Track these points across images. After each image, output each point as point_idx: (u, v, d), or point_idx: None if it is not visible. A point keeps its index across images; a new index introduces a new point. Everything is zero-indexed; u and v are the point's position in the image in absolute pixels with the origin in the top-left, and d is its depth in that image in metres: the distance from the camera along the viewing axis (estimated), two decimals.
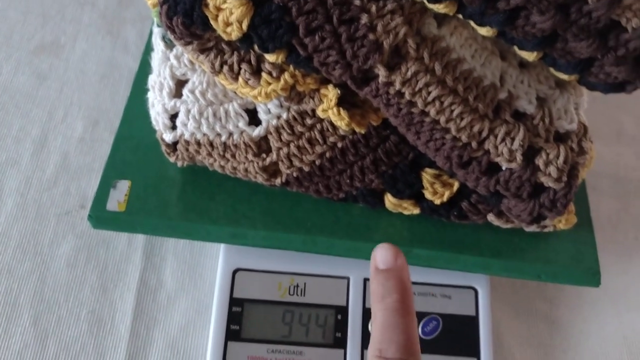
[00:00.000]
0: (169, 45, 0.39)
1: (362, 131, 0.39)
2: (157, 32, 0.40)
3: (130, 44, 0.59)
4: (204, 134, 0.40)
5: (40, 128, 0.53)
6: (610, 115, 0.61)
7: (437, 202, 0.42)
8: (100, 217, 0.43)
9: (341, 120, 0.37)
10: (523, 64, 0.37)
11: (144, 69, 0.48)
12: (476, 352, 0.44)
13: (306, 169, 0.41)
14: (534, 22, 0.30)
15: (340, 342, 0.44)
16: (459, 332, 0.45)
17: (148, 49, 0.48)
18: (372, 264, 0.30)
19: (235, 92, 0.38)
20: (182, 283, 0.47)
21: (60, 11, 0.60)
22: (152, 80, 0.41)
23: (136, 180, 0.44)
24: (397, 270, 0.29)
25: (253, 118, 0.40)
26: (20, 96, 0.55)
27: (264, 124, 0.39)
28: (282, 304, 0.45)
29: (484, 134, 0.36)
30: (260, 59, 0.35)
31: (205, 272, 0.48)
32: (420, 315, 0.45)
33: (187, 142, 0.41)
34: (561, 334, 0.48)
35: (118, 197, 0.43)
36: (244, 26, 0.32)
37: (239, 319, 0.44)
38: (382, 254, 0.30)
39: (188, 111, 0.39)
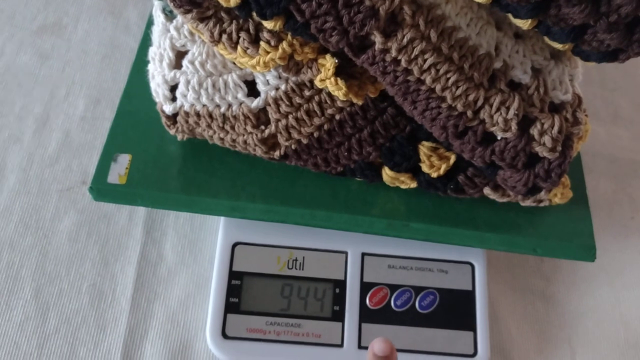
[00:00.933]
0: (169, 17, 0.40)
1: (360, 102, 0.39)
2: (157, 4, 0.40)
3: (131, 25, 0.59)
4: (204, 105, 0.41)
5: (43, 106, 0.54)
6: (607, 98, 0.61)
7: (434, 175, 0.42)
8: (101, 189, 0.43)
9: (339, 90, 0.37)
10: (518, 35, 0.38)
11: (145, 46, 0.48)
12: (472, 326, 0.45)
13: (304, 141, 0.41)
14: None
15: (338, 315, 0.44)
16: (456, 306, 0.45)
17: (149, 27, 0.49)
18: (370, 352, 0.38)
19: (234, 63, 0.39)
20: (182, 257, 0.48)
21: None
22: (152, 52, 0.41)
23: (137, 154, 0.45)
24: (390, 356, 0.37)
25: (252, 89, 0.40)
26: (23, 75, 0.55)
27: (262, 95, 0.40)
28: (281, 277, 0.45)
29: (479, 103, 0.36)
30: (258, 28, 0.36)
31: (205, 246, 0.48)
32: (418, 290, 0.45)
33: (187, 114, 0.41)
34: (557, 310, 0.49)
35: (119, 170, 0.44)
36: None
37: (238, 292, 0.44)
38: (379, 345, 0.37)
39: (187, 82, 0.40)
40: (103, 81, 0.56)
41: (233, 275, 0.45)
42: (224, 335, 0.43)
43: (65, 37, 0.58)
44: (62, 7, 0.60)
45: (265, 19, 0.33)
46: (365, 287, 0.45)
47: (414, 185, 0.43)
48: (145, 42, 0.49)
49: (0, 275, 0.46)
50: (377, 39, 0.33)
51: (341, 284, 0.45)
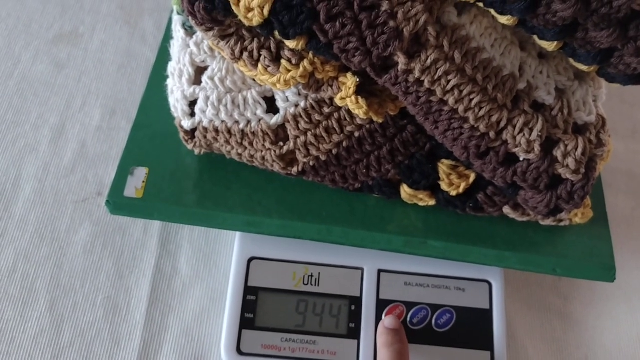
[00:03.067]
0: (189, 33, 0.39)
1: (380, 120, 0.39)
2: (177, 19, 0.40)
3: (147, 35, 0.59)
4: (222, 121, 0.40)
5: (59, 116, 0.54)
6: (626, 112, 0.61)
7: (453, 193, 0.42)
8: (118, 203, 0.43)
9: (359, 109, 0.37)
10: (542, 55, 0.37)
11: (162, 59, 0.48)
12: (489, 346, 0.44)
13: (323, 157, 0.41)
14: (555, 10, 0.30)
15: (353, 333, 0.44)
16: (473, 325, 0.45)
17: (166, 39, 0.49)
18: (380, 327, 0.43)
19: (254, 80, 0.39)
20: (197, 271, 0.48)
21: (79, 1, 0.61)
22: (172, 67, 0.41)
23: (153, 168, 0.44)
24: (400, 331, 0.43)
25: (271, 106, 0.40)
26: (39, 84, 0.55)
27: (281, 112, 0.40)
28: (297, 293, 0.45)
29: (502, 124, 0.36)
30: (280, 46, 0.35)
31: (221, 260, 0.48)
32: (434, 308, 0.45)
33: (206, 129, 0.41)
34: (574, 329, 0.48)
35: (135, 184, 0.44)
36: (266, 12, 0.32)
37: (254, 308, 0.44)
38: (389, 320, 0.43)
39: (207, 98, 0.40)
40: (119, 91, 0.55)
41: (248, 290, 0.44)
42: (239, 351, 0.43)
43: (82, 47, 0.58)
44: (78, 16, 0.60)
45: (288, 39, 0.33)
46: (381, 305, 0.45)
47: (432, 203, 0.43)
48: (162, 54, 0.49)
49: (16, 286, 0.46)
50: (401, 59, 0.33)
51: (357, 301, 0.45)
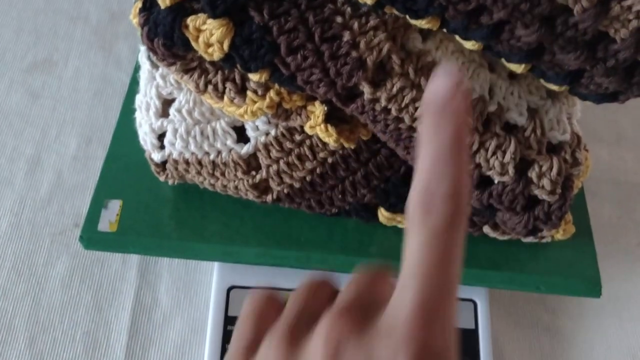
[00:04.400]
0: (155, 65, 0.39)
1: (352, 146, 0.38)
2: (143, 50, 0.40)
3: (122, 59, 0.59)
4: (192, 153, 0.40)
5: (34, 147, 0.53)
6: (610, 118, 0.60)
7: None
8: (92, 237, 0.42)
9: (329, 137, 0.36)
10: (513, 75, 0.36)
11: (134, 87, 0.47)
12: None
13: (297, 185, 0.40)
14: (519, 35, 0.29)
15: None
16: (458, 346, 0.44)
17: (139, 65, 0.48)
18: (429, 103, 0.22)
19: (222, 110, 0.38)
20: (178, 301, 0.47)
21: (53, 28, 0.60)
22: (139, 100, 0.40)
23: (128, 200, 0.44)
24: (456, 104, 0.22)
25: (241, 135, 0.39)
26: (13, 115, 0.55)
27: (252, 141, 0.39)
28: None
29: (474, 147, 0.35)
30: (245, 77, 0.35)
31: (201, 288, 0.47)
32: None
33: (176, 161, 0.40)
34: (563, 345, 0.47)
35: (109, 217, 0.43)
36: (225, 47, 0.31)
37: None
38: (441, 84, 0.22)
39: (175, 130, 0.39)
40: (95, 119, 0.55)
41: (229, 320, 0.44)
42: None
43: (56, 74, 0.57)
44: (52, 43, 0.59)
45: (250, 72, 0.32)
46: None
47: None
48: (134, 84, 0.48)
49: None
50: (366, 89, 0.32)
51: None
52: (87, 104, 0.56)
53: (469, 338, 0.44)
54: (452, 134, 0.21)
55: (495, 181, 0.36)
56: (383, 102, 0.33)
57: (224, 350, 0.43)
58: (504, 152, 0.35)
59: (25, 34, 0.59)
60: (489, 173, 0.36)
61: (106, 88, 0.57)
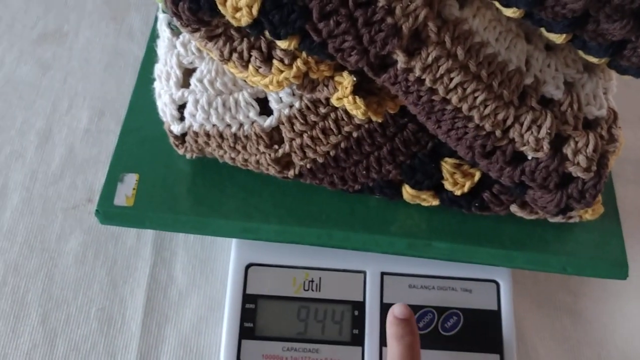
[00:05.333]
0: (176, 33, 0.37)
1: (379, 120, 0.37)
2: (162, 18, 0.38)
3: (135, 31, 0.57)
4: (214, 125, 0.38)
5: (45, 120, 0.52)
6: (633, 98, 0.58)
7: (458, 192, 0.40)
8: (108, 212, 0.41)
9: (357, 109, 0.35)
10: (550, 47, 0.35)
11: (150, 57, 0.46)
12: (499, 348, 0.43)
13: (320, 160, 0.39)
14: (565, 2, 0.28)
15: (357, 339, 0.42)
16: (481, 327, 0.43)
17: (153, 35, 0.47)
18: (389, 316, 0.40)
19: (245, 81, 0.36)
20: (194, 278, 0.46)
21: None
22: (159, 69, 0.39)
23: (144, 174, 0.42)
24: (411, 320, 0.39)
25: (264, 108, 0.38)
26: (23, 87, 0.53)
27: (275, 113, 0.38)
28: (297, 299, 0.43)
29: (509, 122, 0.34)
30: (271, 46, 0.33)
31: (217, 266, 0.46)
32: (441, 311, 0.43)
33: (196, 134, 0.39)
34: (585, 327, 0.47)
35: (126, 191, 0.42)
36: (254, 11, 0.30)
37: (253, 316, 0.42)
38: (399, 309, 0.40)
39: (196, 101, 0.38)
40: (107, 92, 0.53)
41: (247, 298, 0.43)
42: None
43: (67, 46, 0.56)
44: (62, 14, 0.57)
45: (279, 39, 0.31)
46: (385, 309, 0.43)
47: (436, 203, 0.41)
48: (150, 52, 0.47)
49: (6, 300, 0.44)
50: (400, 58, 0.31)
51: (360, 306, 0.43)
52: (98, 76, 0.54)
53: (492, 319, 0.44)
54: (412, 339, 0.39)
55: (529, 157, 0.35)
56: (417, 72, 0.31)
57: (242, 329, 0.42)
58: (540, 127, 0.34)
59: (34, 4, 0.58)
60: (523, 149, 0.34)
61: (117, 60, 0.55)
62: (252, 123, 0.38)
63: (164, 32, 0.38)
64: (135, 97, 0.46)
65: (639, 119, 0.57)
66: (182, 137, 0.40)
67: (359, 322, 0.43)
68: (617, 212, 0.44)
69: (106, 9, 0.58)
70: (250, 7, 0.30)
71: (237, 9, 0.30)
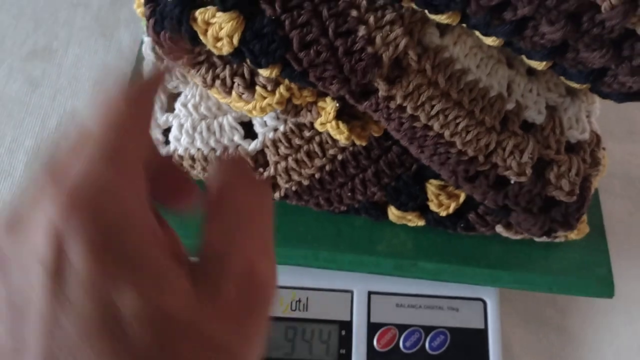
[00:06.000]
0: (160, 57, 0.37)
1: (363, 143, 0.37)
2: (147, 42, 0.38)
3: (124, 47, 0.57)
4: (198, 149, 0.38)
5: (34, 138, 0.52)
6: (622, 112, 0.58)
7: (443, 213, 0.40)
8: None
9: (340, 134, 0.35)
10: (531, 71, 0.35)
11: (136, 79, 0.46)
12: None
13: (305, 182, 0.39)
14: (543, 32, 0.28)
15: (344, 359, 0.42)
16: (468, 346, 0.43)
17: (141, 55, 0.47)
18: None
19: (229, 105, 0.37)
20: None
21: (53, 14, 0.58)
22: None
23: None
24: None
25: (249, 131, 0.38)
26: (13, 105, 0.53)
27: (260, 137, 0.38)
28: (284, 319, 0.43)
29: (491, 147, 0.34)
30: (254, 72, 0.34)
31: None
32: (428, 329, 0.43)
33: (181, 157, 0.39)
34: (573, 344, 0.47)
35: None
36: (235, 41, 0.30)
37: None
38: None
39: (181, 125, 0.38)
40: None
41: None
42: None
43: (56, 62, 0.56)
44: (52, 30, 0.57)
45: (261, 68, 0.31)
46: (372, 328, 0.43)
47: (422, 223, 0.41)
48: (136, 75, 0.47)
49: None
50: (381, 86, 0.31)
51: (347, 325, 0.43)
52: (87, 93, 0.54)
53: (478, 338, 0.44)
54: None
55: (512, 181, 0.35)
56: (398, 100, 0.32)
57: None
58: (522, 152, 0.34)
59: (24, 20, 0.58)
60: (506, 173, 0.35)
61: (106, 77, 0.55)
62: (237, 147, 0.38)
63: (148, 55, 0.38)
64: None
65: (627, 134, 0.57)
66: None
67: (346, 341, 0.43)
68: (603, 229, 0.44)
69: (95, 25, 0.58)
70: (230, 37, 0.30)
71: (218, 39, 0.30)
